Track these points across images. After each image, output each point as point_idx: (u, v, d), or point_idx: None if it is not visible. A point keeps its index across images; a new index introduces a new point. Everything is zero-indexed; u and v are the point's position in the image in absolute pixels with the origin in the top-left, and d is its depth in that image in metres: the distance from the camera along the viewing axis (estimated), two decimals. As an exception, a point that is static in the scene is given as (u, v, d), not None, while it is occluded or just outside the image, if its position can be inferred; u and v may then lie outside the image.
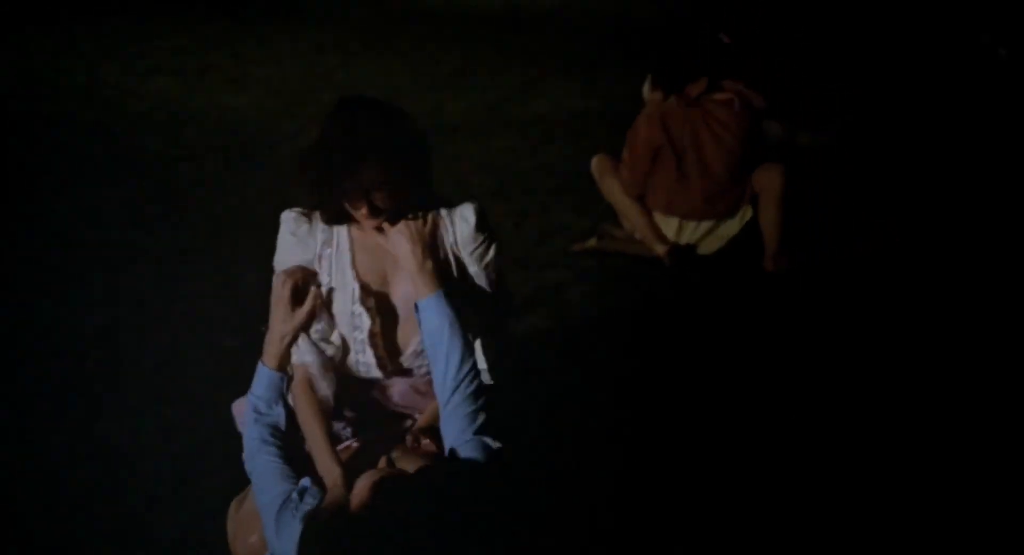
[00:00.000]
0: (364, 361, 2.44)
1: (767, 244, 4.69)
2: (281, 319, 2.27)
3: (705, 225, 4.76)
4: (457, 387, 2.20)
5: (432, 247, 2.32)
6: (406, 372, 2.51)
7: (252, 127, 6.60)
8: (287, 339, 2.28)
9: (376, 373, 2.48)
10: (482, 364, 2.45)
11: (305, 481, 2.14)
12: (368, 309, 2.37)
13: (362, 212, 2.23)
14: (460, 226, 2.37)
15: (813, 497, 3.12)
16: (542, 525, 2.74)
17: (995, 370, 3.82)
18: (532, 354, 3.83)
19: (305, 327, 2.32)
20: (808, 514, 3.05)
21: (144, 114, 6.82)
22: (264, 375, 2.29)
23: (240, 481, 2.40)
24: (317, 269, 2.37)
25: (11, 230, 4.96)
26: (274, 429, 2.26)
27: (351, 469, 2.28)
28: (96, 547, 2.89)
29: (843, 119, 6.51)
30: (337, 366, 2.46)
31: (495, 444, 2.14)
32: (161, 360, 3.81)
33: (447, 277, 2.34)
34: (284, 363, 2.30)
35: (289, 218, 2.39)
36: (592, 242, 4.88)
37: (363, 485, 1.97)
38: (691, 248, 4.77)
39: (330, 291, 2.36)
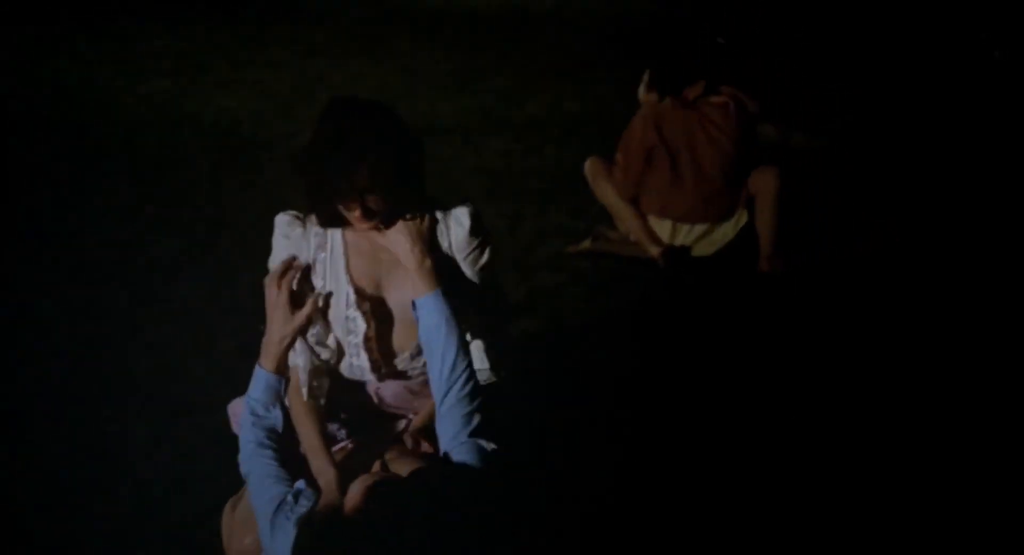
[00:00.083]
0: (358, 364, 2.44)
1: (762, 246, 4.69)
2: (280, 322, 2.27)
3: (699, 228, 4.77)
4: (453, 387, 2.20)
5: (430, 246, 2.32)
6: (400, 374, 2.51)
7: (247, 129, 6.60)
8: (285, 342, 2.28)
9: (370, 376, 2.48)
10: (481, 365, 2.45)
11: (300, 483, 2.14)
12: (363, 313, 2.37)
13: (355, 214, 2.23)
14: (455, 229, 2.37)
15: (812, 498, 3.13)
16: (538, 528, 2.74)
17: (994, 370, 3.83)
18: (527, 356, 3.84)
19: (303, 330, 2.32)
20: (807, 515, 3.06)
21: (139, 116, 6.82)
22: (261, 378, 2.29)
23: (235, 482, 2.40)
24: (311, 273, 2.37)
25: (7, 231, 4.95)
26: (271, 432, 2.26)
27: (346, 471, 2.28)
28: (92, 547, 2.89)
29: (838, 121, 6.52)
30: (332, 369, 2.47)
31: (490, 446, 2.14)
32: (157, 361, 3.81)
33: (444, 279, 2.34)
34: (282, 366, 2.30)
35: (283, 221, 2.38)
36: (587, 244, 4.88)
37: (357, 489, 1.97)
38: (685, 250, 4.77)
39: (327, 295, 2.35)
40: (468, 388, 2.21)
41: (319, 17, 9.83)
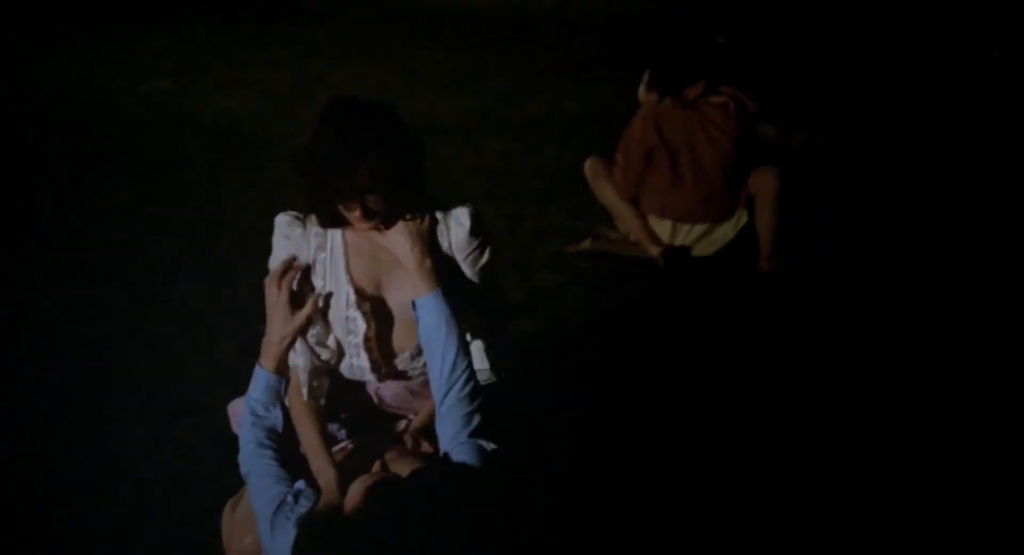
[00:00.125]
0: (358, 365, 2.44)
1: (762, 246, 4.69)
2: (280, 322, 2.27)
3: (699, 228, 4.77)
4: (453, 387, 2.20)
5: (430, 246, 2.32)
6: (400, 374, 2.51)
7: (247, 129, 6.60)
8: (286, 342, 2.28)
9: (370, 376, 2.48)
10: (481, 365, 2.45)
11: (300, 484, 2.13)
12: (363, 314, 2.37)
13: (355, 214, 2.22)
14: (455, 230, 2.36)
15: (812, 498, 3.13)
16: (538, 528, 2.74)
17: (994, 370, 3.83)
18: (527, 356, 3.84)
19: (303, 330, 2.32)
20: (806, 514, 3.06)
21: (139, 116, 6.83)
22: (262, 378, 2.28)
23: (235, 482, 2.40)
24: (312, 274, 2.37)
25: (7, 231, 4.96)
26: (271, 432, 2.26)
27: (346, 471, 2.28)
28: (92, 547, 2.89)
29: (838, 121, 6.53)
30: (332, 369, 2.47)
31: (490, 446, 2.14)
32: (157, 361, 3.81)
33: (444, 279, 2.34)
34: (282, 366, 2.30)
35: (283, 222, 2.38)
36: (587, 244, 4.88)
37: (357, 489, 1.97)
38: (685, 250, 4.77)
39: (328, 295, 2.35)
40: (468, 388, 2.21)
41: (319, 17, 9.83)
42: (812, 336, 4.09)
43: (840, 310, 4.30)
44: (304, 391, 2.40)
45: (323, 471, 2.29)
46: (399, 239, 2.29)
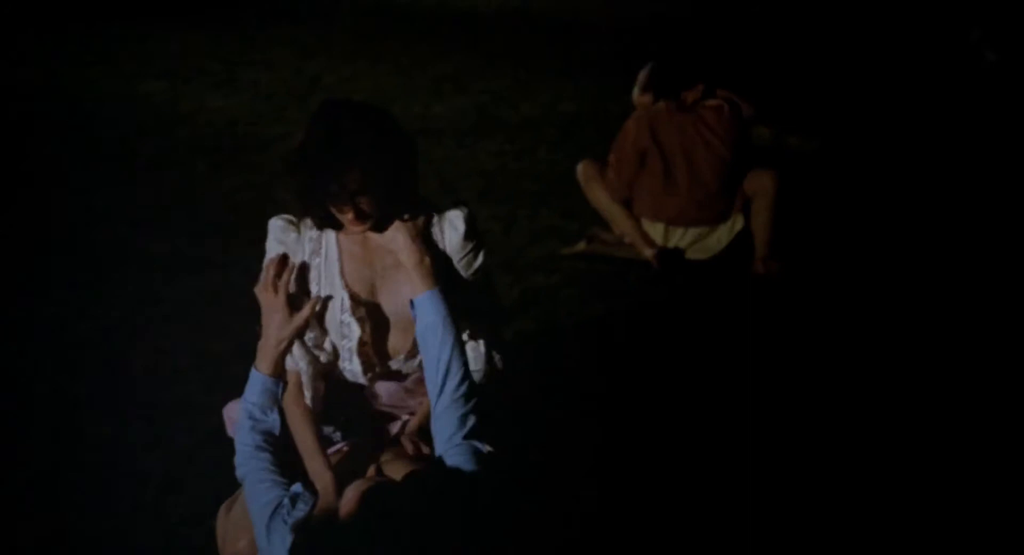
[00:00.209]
0: (351, 369, 2.44)
1: (757, 247, 4.70)
2: (278, 325, 2.26)
3: (693, 232, 4.77)
4: (448, 387, 2.19)
5: (429, 245, 2.33)
6: (394, 376, 2.51)
7: (241, 130, 6.61)
8: (283, 345, 2.27)
9: (362, 380, 2.48)
10: (475, 366, 2.45)
11: (296, 487, 2.13)
12: (358, 319, 2.36)
13: (348, 216, 2.22)
14: (449, 232, 2.36)
15: (808, 499, 3.13)
16: (533, 531, 2.75)
17: (992, 371, 3.83)
18: (521, 357, 3.84)
19: (301, 333, 2.32)
20: (802, 516, 3.06)
21: (136, 116, 6.82)
22: (258, 381, 2.27)
23: (230, 484, 2.40)
24: (306, 277, 2.37)
25: (6, 231, 4.96)
26: (268, 435, 2.25)
27: (342, 473, 2.28)
28: (88, 548, 2.89)
29: (833, 123, 6.54)
30: (327, 372, 2.47)
31: (485, 448, 2.14)
32: (151, 363, 3.81)
33: (440, 279, 2.34)
34: (279, 369, 2.28)
35: (277, 226, 2.37)
36: (581, 246, 4.88)
37: (352, 495, 1.97)
38: (679, 252, 4.78)
39: (325, 298, 2.35)
40: (464, 389, 2.21)
41: (314, 18, 9.83)
42: (806, 338, 4.10)
43: (835, 312, 4.31)
44: (308, 395, 2.40)
45: (319, 474, 2.29)
46: (397, 237, 2.29)
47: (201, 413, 3.36)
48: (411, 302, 2.28)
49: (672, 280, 4.63)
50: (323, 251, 2.36)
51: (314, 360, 2.41)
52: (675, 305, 4.44)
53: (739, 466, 3.28)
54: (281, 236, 2.36)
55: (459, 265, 2.40)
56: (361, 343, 2.38)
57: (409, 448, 2.46)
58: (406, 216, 2.30)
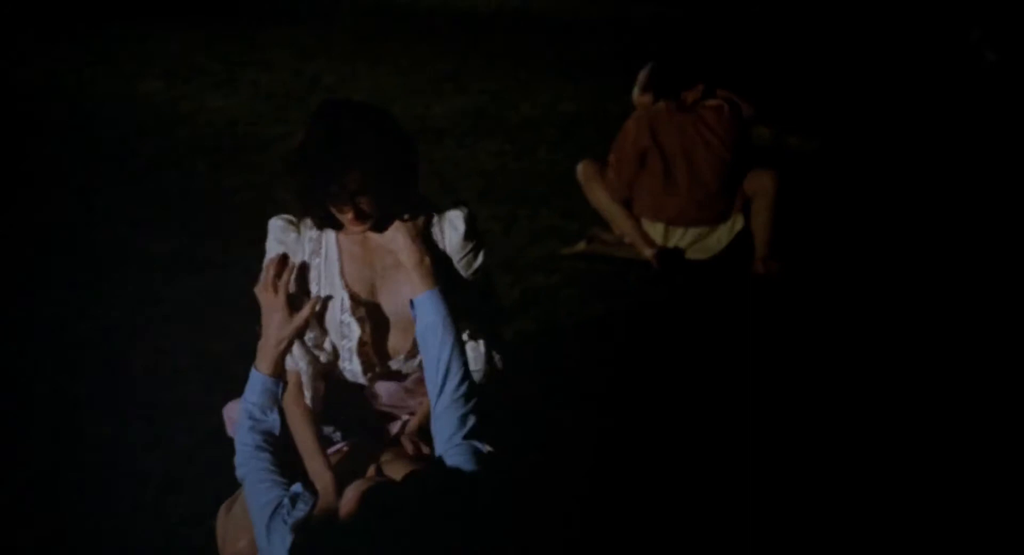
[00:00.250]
0: (351, 369, 2.44)
1: (757, 247, 4.70)
2: (278, 325, 2.26)
3: (692, 232, 4.77)
4: (448, 386, 2.19)
5: (429, 245, 2.33)
6: (394, 376, 2.51)
7: (241, 130, 6.61)
8: (283, 345, 2.27)
9: (362, 380, 2.48)
10: (475, 366, 2.45)
11: (296, 487, 2.13)
12: (358, 319, 2.36)
13: (348, 217, 2.22)
14: (449, 233, 2.37)
15: (807, 499, 3.13)
16: (533, 531, 2.75)
17: (992, 371, 3.83)
18: (521, 357, 3.84)
19: (301, 333, 2.32)
20: (802, 516, 3.06)
21: (135, 116, 6.83)
22: (258, 381, 2.27)
23: (230, 484, 2.40)
24: (306, 277, 2.37)
25: (5, 231, 4.96)
26: (268, 435, 2.25)
27: (342, 473, 2.28)
28: (88, 548, 2.89)
29: (832, 123, 6.54)
30: (328, 372, 2.47)
31: (485, 448, 2.14)
32: (151, 363, 3.81)
33: (440, 279, 2.34)
34: (279, 369, 2.28)
35: (277, 226, 2.38)
36: (581, 246, 4.89)
37: (352, 495, 1.97)
38: (679, 252, 4.78)
39: (326, 298, 2.35)
40: (463, 388, 2.21)
41: (314, 19, 9.83)
42: (806, 338, 4.10)
43: (835, 312, 4.31)
44: (308, 395, 2.40)
45: (319, 474, 2.29)
46: (397, 237, 2.29)
47: (201, 413, 3.35)
48: (411, 302, 2.28)
49: (672, 280, 4.63)
50: (323, 251, 2.36)
51: (314, 360, 2.41)
52: (675, 305, 4.45)
53: (739, 466, 3.28)
54: (281, 236, 2.36)
55: (459, 265, 2.40)
56: (361, 343, 2.39)
57: (409, 448, 2.46)
58: (406, 216, 2.30)
